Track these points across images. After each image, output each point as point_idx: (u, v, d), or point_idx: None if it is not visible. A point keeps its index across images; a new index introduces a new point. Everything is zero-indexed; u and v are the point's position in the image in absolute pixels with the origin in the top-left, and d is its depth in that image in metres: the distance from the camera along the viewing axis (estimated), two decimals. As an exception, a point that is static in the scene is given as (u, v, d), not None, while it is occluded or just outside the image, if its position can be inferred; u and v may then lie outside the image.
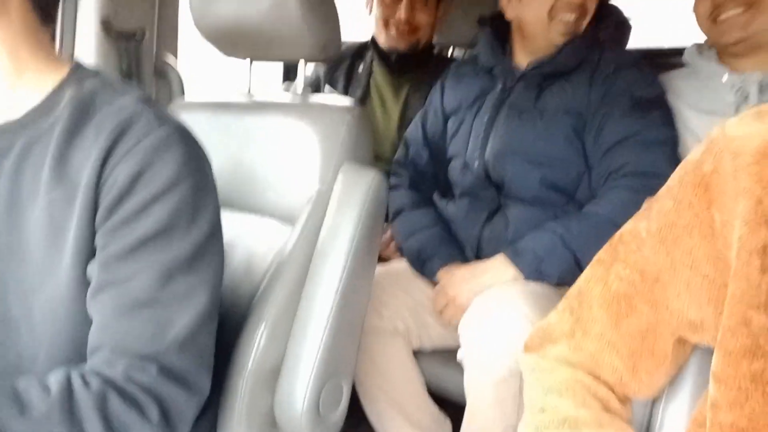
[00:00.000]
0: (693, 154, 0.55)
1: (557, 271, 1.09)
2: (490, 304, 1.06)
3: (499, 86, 1.28)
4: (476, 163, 1.26)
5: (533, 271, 1.10)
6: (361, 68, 1.72)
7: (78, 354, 0.63)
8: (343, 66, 1.74)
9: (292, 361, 0.79)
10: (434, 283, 1.23)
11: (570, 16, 1.19)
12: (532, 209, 1.19)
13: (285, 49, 0.95)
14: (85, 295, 0.62)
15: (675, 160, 1.10)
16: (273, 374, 0.79)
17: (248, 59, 1.03)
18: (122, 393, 0.57)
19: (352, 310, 0.82)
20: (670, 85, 1.24)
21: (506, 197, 1.23)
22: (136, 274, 0.60)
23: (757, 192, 0.48)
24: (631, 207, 0.61)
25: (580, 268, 1.06)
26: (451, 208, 1.30)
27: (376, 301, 1.17)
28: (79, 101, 0.64)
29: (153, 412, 0.58)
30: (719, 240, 0.51)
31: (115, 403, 0.57)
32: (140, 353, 0.59)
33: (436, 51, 1.77)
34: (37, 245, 0.63)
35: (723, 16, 1.13)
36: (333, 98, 0.96)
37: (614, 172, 1.12)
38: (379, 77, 1.69)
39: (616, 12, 1.36)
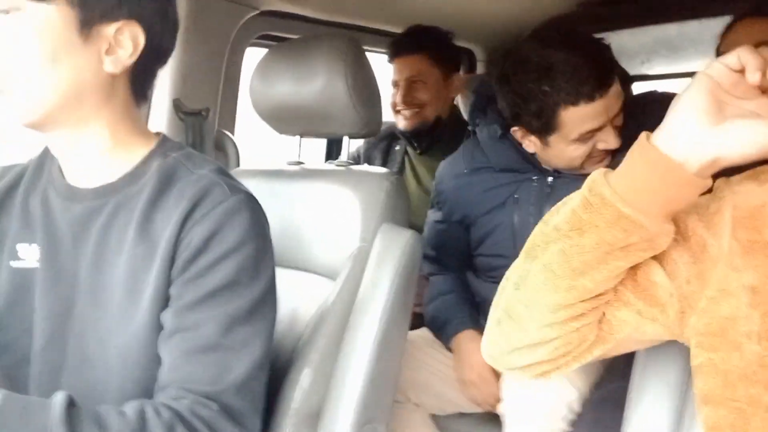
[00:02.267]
0: (704, 198, 0.62)
1: None
2: None
3: (534, 182, 1.20)
4: None
5: None
6: (398, 147, 1.84)
7: (144, 390, 0.70)
8: (381, 145, 1.86)
9: (332, 405, 0.85)
10: (449, 350, 1.27)
11: (604, 154, 1.11)
12: None
13: (331, 127, 1.07)
14: (156, 339, 0.70)
15: None
16: (314, 416, 0.85)
17: (298, 135, 1.16)
18: (188, 425, 0.64)
19: (389, 358, 0.89)
20: None
21: None
22: (203, 322, 0.68)
23: (747, 242, 0.56)
24: None
25: None
26: (491, 290, 1.24)
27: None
28: (164, 171, 0.74)
29: None
30: (707, 265, 0.58)
31: (180, 431, 0.63)
32: (203, 392, 0.66)
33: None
34: (117, 294, 0.71)
35: None
36: (373, 168, 1.07)
37: None
38: (412, 156, 1.81)
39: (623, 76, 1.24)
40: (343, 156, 1.12)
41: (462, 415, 1.27)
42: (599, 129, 1.07)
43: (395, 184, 0.98)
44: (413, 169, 1.82)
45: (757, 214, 0.57)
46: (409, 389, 1.21)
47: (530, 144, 1.15)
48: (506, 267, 1.19)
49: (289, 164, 1.13)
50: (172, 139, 0.80)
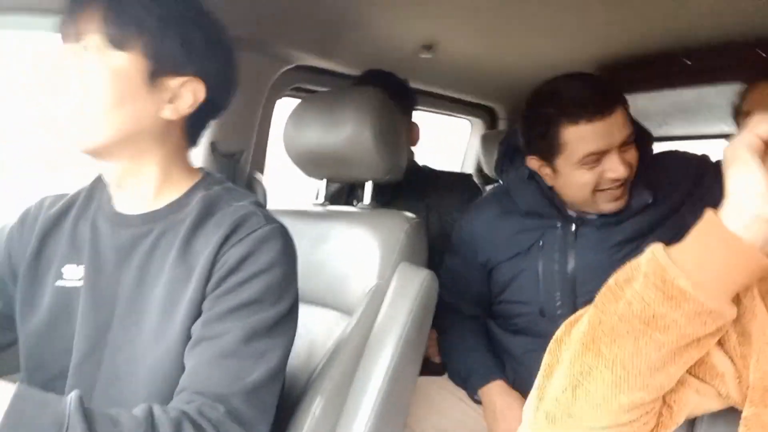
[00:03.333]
0: None
1: None
2: None
3: (559, 228, 1.20)
4: (559, 312, 1.18)
5: None
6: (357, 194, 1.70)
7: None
8: (342, 198, 1.72)
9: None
10: (470, 399, 1.27)
11: (616, 185, 1.10)
12: None
13: (356, 172, 1.13)
14: (182, 367, 0.73)
15: None
16: (326, 444, 0.87)
17: (325, 179, 1.22)
18: (194, 424, 0.66)
19: (400, 392, 0.91)
20: None
21: None
22: (227, 332, 0.72)
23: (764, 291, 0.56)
24: None
25: None
26: (511, 341, 1.26)
27: (409, 416, 1.14)
28: (207, 201, 0.80)
29: None
30: (748, 308, 0.57)
31: (188, 429, 0.65)
32: (213, 394, 0.69)
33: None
34: (154, 314, 0.76)
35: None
36: (393, 211, 1.12)
37: None
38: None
39: (640, 129, 1.23)
40: (367, 197, 1.17)
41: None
42: (603, 154, 1.07)
43: (415, 226, 1.03)
44: None
45: None
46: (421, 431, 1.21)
47: (546, 176, 1.17)
48: (528, 315, 1.23)
49: (315, 205, 1.19)
50: (214, 175, 0.86)
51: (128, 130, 0.75)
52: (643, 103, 2.07)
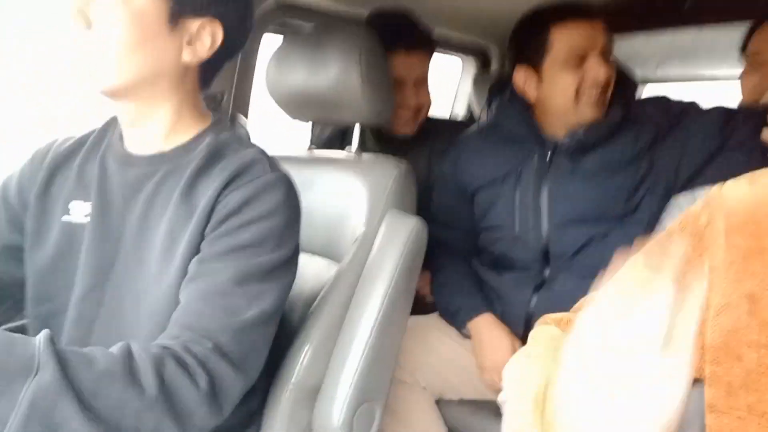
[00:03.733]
0: (694, 206, 0.64)
1: None
2: None
3: (536, 157, 1.26)
4: (531, 234, 1.24)
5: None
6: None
7: None
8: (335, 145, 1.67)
9: (331, 381, 0.87)
10: (461, 337, 1.29)
11: (596, 92, 1.18)
12: (582, 282, 1.18)
13: (344, 114, 1.09)
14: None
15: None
16: (313, 391, 0.88)
17: (310, 122, 1.18)
18: (177, 359, 0.65)
19: (388, 340, 0.91)
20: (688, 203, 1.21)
21: (558, 270, 1.22)
22: (221, 271, 0.72)
23: (745, 248, 0.57)
24: None
25: None
26: (494, 278, 1.30)
27: (400, 353, 1.14)
28: (214, 147, 0.80)
29: (202, 380, 0.66)
30: (707, 282, 0.59)
31: (170, 366, 0.65)
32: (202, 329, 0.69)
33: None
34: (156, 252, 0.77)
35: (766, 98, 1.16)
36: (382, 156, 1.09)
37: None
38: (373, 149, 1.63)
39: (625, 75, 1.33)
40: (355, 141, 1.13)
41: (462, 402, 1.29)
42: (586, 55, 1.16)
43: (404, 171, 1.00)
44: None
45: (752, 218, 0.57)
46: (418, 371, 1.24)
47: (531, 89, 1.24)
48: (504, 240, 1.29)
49: (300, 149, 1.16)
50: (225, 121, 0.86)
51: (149, 71, 0.75)
52: (640, 44, 2.02)
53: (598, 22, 1.18)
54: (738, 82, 1.37)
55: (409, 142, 1.52)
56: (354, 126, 1.12)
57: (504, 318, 1.27)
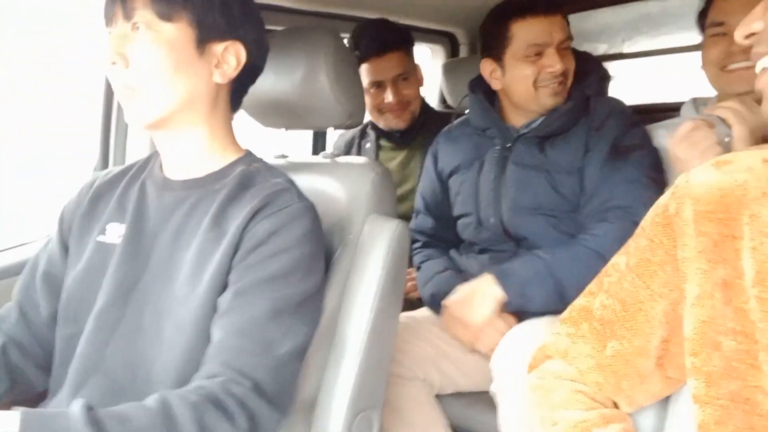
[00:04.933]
0: (662, 197, 0.64)
1: (540, 297, 1.16)
2: (522, 338, 1.12)
3: (498, 146, 1.34)
4: (491, 220, 1.32)
5: (517, 293, 1.17)
6: (368, 144, 1.83)
7: (191, 364, 0.76)
8: (353, 148, 1.87)
9: (326, 393, 0.86)
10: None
11: (554, 83, 1.27)
12: None
13: (315, 119, 1.07)
14: (209, 320, 0.76)
15: (647, 197, 1.12)
16: (309, 405, 0.87)
17: (283, 128, 1.16)
18: (217, 404, 0.68)
19: (381, 345, 0.90)
20: (667, 132, 1.25)
21: (526, 249, 1.27)
22: (254, 304, 0.75)
23: (715, 235, 0.57)
24: (615, 239, 0.69)
25: (561, 295, 1.13)
26: (473, 264, 1.35)
27: (397, 351, 1.21)
28: (245, 175, 0.85)
29: (242, 420, 0.69)
30: (680, 272, 0.59)
31: (210, 413, 0.67)
32: (239, 367, 0.71)
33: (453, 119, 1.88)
34: (183, 274, 0.80)
35: (732, 66, 1.16)
36: (358, 159, 1.07)
37: (599, 206, 1.20)
38: (388, 151, 1.81)
39: (596, 67, 1.44)
40: (329, 148, 1.12)
41: (459, 394, 1.29)
42: (543, 49, 1.25)
43: (381, 175, 0.99)
44: (389, 162, 1.81)
45: (721, 204, 0.57)
46: (416, 365, 1.25)
47: (496, 80, 1.33)
48: (471, 225, 1.35)
49: (276, 158, 1.13)
50: (255, 155, 0.92)
51: (185, 97, 0.81)
52: (606, 18, 2.02)
53: (557, 16, 1.27)
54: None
55: (419, 134, 1.69)
56: (326, 130, 1.10)
57: None
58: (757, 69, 0.58)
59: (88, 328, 0.82)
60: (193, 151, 0.86)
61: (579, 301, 0.70)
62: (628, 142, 1.24)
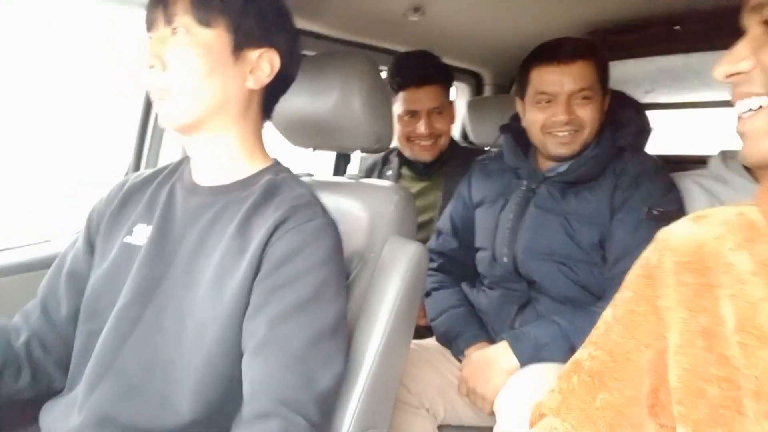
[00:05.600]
0: (645, 250, 0.66)
1: (553, 358, 1.14)
2: (525, 382, 1.12)
3: (524, 185, 1.35)
4: (505, 258, 1.32)
5: (530, 358, 1.16)
6: (389, 172, 1.86)
7: (210, 366, 0.77)
8: (374, 174, 1.89)
9: (334, 409, 0.87)
10: (460, 361, 1.30)
11: (562, 132, 1.26)
12: (562, 306, 1.23)
13: (344, 140, 1.09)
14: (232, 333, 0.77)
15: None
16: (317, 419, 0.87)
17: (311, 148, 1.19)
18: None
19: (391, 366, 0.91)
20: (697, 181, 1.26)
21: (537, 291, 1.28)
22: (294, 334, 0.75)
23: (694, 284, 0.59)
24: None
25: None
26: (482, 299, 1.36)
27: (405, 377, 1.22)
28: (271, 184, 0.86)
29: None
30: (663, 322, 0.61)
31: None
32: (293, 402, 0.72)
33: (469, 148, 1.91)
34: (207, 278, 0.80)
35: None
36: (381, 182, 1.10)
37: (619, 275, 1.18)
38: (408, 180, 1.83)
39: (637, 118, 1.40)
40: (354, 169, 1.15)
41: (462, 428, 1.28)
42: (554, 98, 1.25)
43: (404, 197, 1.01)
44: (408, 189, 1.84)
45: (697, 256, 0.59)
46: (423, 393, 1.24)
47: (523, 120, 1.35)
48: (486, 260, 1.36)
49: (300, 175, 1.16)
50: (283, 164, 0.93)
51: (219, 100, 0.83)
52: (630, 69, 2.06)
53: (576, 65, 1.24)
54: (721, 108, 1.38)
55: (444, 169, 1.73)
56: (353, 152, 1.13)
57: (494, 332, 1.31)
58: (740, 110, 0.57)
59: (107, 327, 0.83)
60: (222, 156, 0.87)
61: (573, 356, 0.71)
62: (665, 208, 1.19)
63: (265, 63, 0.86)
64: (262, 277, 0.77)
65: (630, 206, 1.20)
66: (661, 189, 1.22)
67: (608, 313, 0.68)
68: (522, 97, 1.34)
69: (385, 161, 1.90)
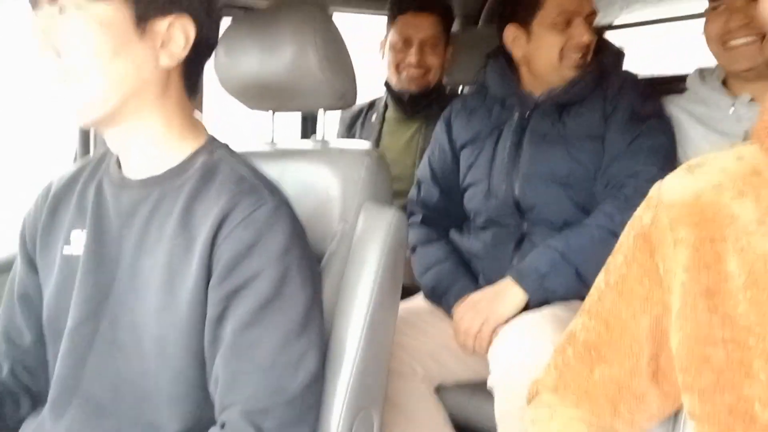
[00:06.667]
0: (638, 209, 0.60)
1: (561, 287, 1.15)
2: (519, 331, 1.10)
3: (516, 115, 1.33)
4: (503, 189, 1.30)
5: (537, 289, 1.15)
6: (374, 117, 1.81)
7: (182, 382, 0.72)
8: (359, 120, 1.84)
9: (325, 393, 0.82)
10: (452, 318, 1.26)
11: (578, 55, 1.28)
12: (559, 234, 1.21)
13: (305, 100, 1.01)
14: (195, 341, 0.72)
15: (669, 165, 1.14)
16: (306, 407, 0.83)
17: (270, 111, 1.10)
18: None
19: (380, 341, 0.86)
20: (676, 104, 1.29)
21: (533, 224, 1.27)
22: (260, 340, 0.70)
23: (693, 240, 0.53)
24: (626, 213, 0.65)
25: (582, 281, 1.11)
26: (473, 242, 1.33)
27: (395, 346, 1.15)
28: (208, 166, 0.76)
29: None
30: (664, 285, 0.56)
31: None
32: (260, 409, 0.68)
33: (447, 90, 1.85)
34: (154, 283, 0.73)
35: (733, 43, 1.15)
36: (350, 143, 1.02)
37: (612, 180, 1.20)
38: (393, 120, 1.77)
39: (609, 43, 1.44)
40: (320, 128, 1.06)
41: (459, 386, 1.27)
42: (572, 18, 1.25)
43: (376, 159, 0.94)
44: (392, 133, 1.79)
45: (696, 207, 0.54)
46: (415, 359, 1.22)
47: (518, 48, 1.32)
48: (477, 196, 1.33)
49: (264, 144, 1.08)
50: (218, 140, 0.83)
51: (129, 87, 0.72)
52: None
53: None
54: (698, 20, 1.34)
55: (431, 110, 1.67)
56: (317, 112, 1.04)
57: (488, 278, 1.26)
58: None
59: (62, 350, 0.77)
60: (147, 146, 0.77)
61: (569, 326, 0.66)
62: (646, 110, 1.25)
63: (177, 33, 0.73)
64: (216, 281, 0.70)
65: (615, 110, 1.25)
66: (640, 94, 1.28)
67: (600, 279, 0.63)
68: (525, 22, 1.29)
69: (371, 106, 1.85)
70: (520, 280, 1.17)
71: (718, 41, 1.17)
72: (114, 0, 0.69)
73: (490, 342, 1.15)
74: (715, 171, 0.55)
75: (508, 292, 1.18)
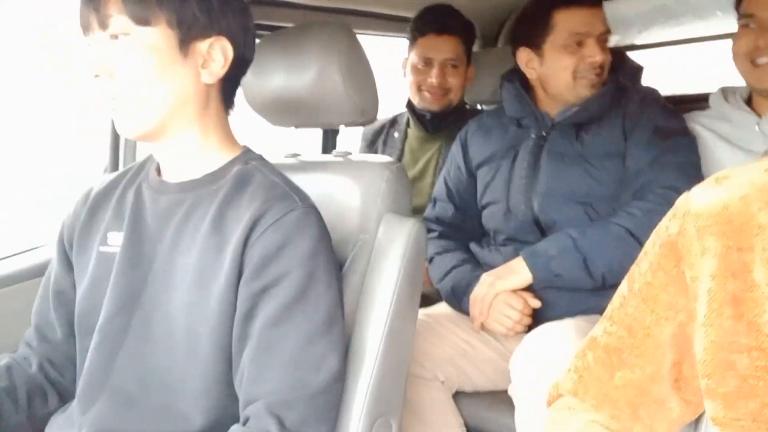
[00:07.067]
0: (663, 219, 0.61)
1: (566, 272, 1.16)
2: (540, 340, 1.11)
3: (533, 134, 1.34)
4: (522, 207, 1.31)
5: (542, 270, 1.18)
6: (396, 134, 1.84)
7: (212, 374, 0.76)
8: (381, 136, 1.87)
9: (344, 400, 0.84)
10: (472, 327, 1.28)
11: (592, 75, 1.28)
12: None
13: (327, 117, 1.04)
14: (223, 336, 0.75)
15: (696, 179, 1.13)
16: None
17: (293, 127, 1.13)
18: None
19: (399, 349, 0.88)
20: (698, 122, 1.29)
21: None
22: (285, 338, 0.73)
23: (720, 249, 0.54)
24: (650, 219, 0.66)
25: (588, 272, 1.14)
26: (495, 256, 1.33)
27: (416, 351, 1.20)
28: (242, 174, 0.82)
29: None
30: (690, 293, 0.57)
31: None
32: (282, 402, 0.71)
33: (468, 108, 1.88)
34: (187, 280, 0.77)
35: (762, 60, 1.15)
36: (372, 156, 1.05)
37: (637, 191, 1.20)
38: (414, 138, 1.80)
39: (628, 59, 1.45)
40: (339, 146, 1.10)
41: (477, 394, 1.27)
42: (584, 39, 1.27)
43: (396, 172, 0.96)
44: (413, 151, 1.81)
45: (724, 217, 0.55)
46: (435, 366, 1.23)
47: (532, 70, 1.33)
48: (497, 215, 1.35)
49: (286, 156, 1.11)
50: (254, 151, 0.88)
51: (174, 103, 0.78)
52: (622, 9, 1.97)
53: (598, 9, 1.28)
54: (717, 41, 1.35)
55: (450, 129, 1.67)
56: (338, 128, 1.08)
57: None
58: None
59: (93, 343, 0.80)
60: (187, 154, 0.83)
61: (590, 332, 0.67)
62: (671, 126, 1.25)
63: (217, 53, 0.80)
64: (247, 279, 0.74)
65: (637, 127, 1.25)
66: (662, 110, 1.29)
67: (623, 287, 0.64)
68: (537, 44, 1.31)
69: (393, 122, 1.87)
70: (530, 258, 1.20)
71: (747, 59, 1.18)
72: (159, 24, 0.76)
73: (490, 305, 1.21)
74: (743, 183, 0.56)
75: (516, 267, 1.22)
